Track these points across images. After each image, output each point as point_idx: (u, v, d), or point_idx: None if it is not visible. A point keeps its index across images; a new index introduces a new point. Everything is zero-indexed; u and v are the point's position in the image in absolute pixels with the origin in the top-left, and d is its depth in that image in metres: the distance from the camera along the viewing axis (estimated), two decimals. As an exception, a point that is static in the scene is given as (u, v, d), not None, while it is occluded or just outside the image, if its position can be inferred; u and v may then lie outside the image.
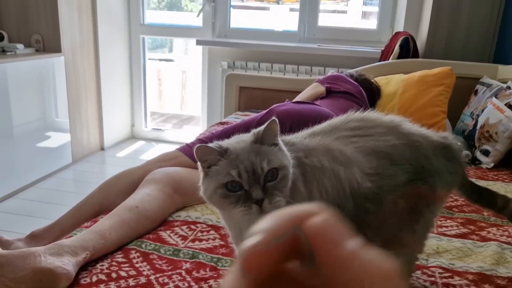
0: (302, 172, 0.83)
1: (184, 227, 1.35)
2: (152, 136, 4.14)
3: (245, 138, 0.81)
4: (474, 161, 2.09)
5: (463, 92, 2.45)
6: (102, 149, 3.76)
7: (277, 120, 0.77)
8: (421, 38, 2.92)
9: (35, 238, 1.45)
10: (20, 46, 2.99)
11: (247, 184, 0.75)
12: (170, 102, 5.01)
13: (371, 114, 0.97)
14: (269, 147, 0.78)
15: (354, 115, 0.97)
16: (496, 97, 2.13)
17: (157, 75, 4.93)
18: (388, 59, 2.78)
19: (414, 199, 0.91)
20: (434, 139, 0.97)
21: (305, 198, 0.82)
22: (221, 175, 0.76)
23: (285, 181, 0.77)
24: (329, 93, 2.05)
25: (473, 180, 1.81)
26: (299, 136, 0.92)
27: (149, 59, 4.19)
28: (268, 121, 0.77)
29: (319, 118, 0.97)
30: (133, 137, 4.16)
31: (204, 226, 1.36)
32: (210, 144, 0.78)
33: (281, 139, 0.87)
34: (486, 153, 2.04)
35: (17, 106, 2.83)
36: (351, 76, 2.23)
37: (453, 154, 0.98)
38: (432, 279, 1.12)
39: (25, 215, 2.60)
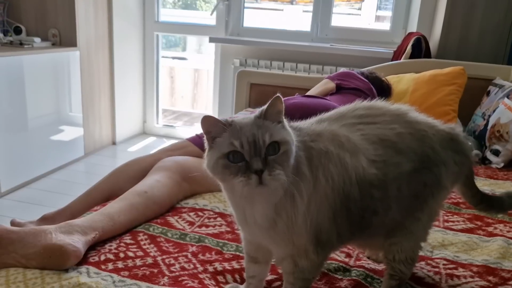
0: (307, 156, 0.84)
1: (191, 214, 1.37)
2: (163, 132, 4.18)
3: (251, 115, 0.82)
4: (484, 161, 2.08)
5: (475, 93, 2.44)
6: (114, 143, 3.81)
7: (281, 97, 0.79)
8: (434, 38, 2.92)
9: (46, 221, 1.49)
10: (37, 39, 3.05)
11: (248, 155, 0.76)
12: (182, 100, 5.05)
13: (378, 103, 0.98)
14: (272, 123, 0.80)
15: (361, 103, 0.98)
16: (508, 97, 2.12)
17: (170, 72, 4.97)
18: (400, 59, 2.77)
19: (418, 187, 0.92)
20: (441, 129, 0.98)
21: (310, 182, 0.83)
22: (224, 146, 0.78)
23: (286, 156, 0.78)
24: (339, 89, 2.06)
25: (482, 179, 1.82)
26: (306, 123, 0.93)
27: (163, 56, 4.23)
28: (272, 98, 0.78)
29: (328, 112, 0.98)
30: (144, 133, 4.20)
31: (211, 213, 1.38)
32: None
33: (289, 125, 0.88)
34: (496, 152, 2.03)
35: (33, 99, 2.89)
36: (362, 73, 2.24)
37: (460, 145, 0.99)
38: (436, 269, 1.13)
39: (38, 204, 2.65)
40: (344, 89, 2.05)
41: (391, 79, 2.38)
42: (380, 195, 0.88)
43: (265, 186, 0.75)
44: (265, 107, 0.80)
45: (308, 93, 2.09)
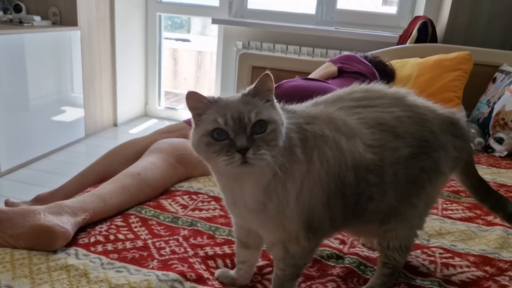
0: (302, 138, 0.81)
1: (185, 197, 1.35)
2: (165, 115, 4.16)
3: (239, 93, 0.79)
4: (487, 149, 2.04)
5: (481, 80, 2.38)
6: (115, 125, 3.79)
7: (271, 75, 0.75)
8: (441, 23, 2.85)
9: (40, 201, 1.48)
10: (37, 18, 3.01)
11: (233, 132, 0.73)
12: (184, 83, 5.00)
13: (376, 86, 0.95)
14: (260, 101, 0.77)
15: (359, 86, 0.94)
16: (514, 84, 2.07)
17: (173, 54, 4.92)
18: (405, 44, 2.71)
19: (416, 172, 0.89)
20: (441, 113, 0.94)
21: (303, 165, 0.80)
22: (208, 123, 0.75)
23: (273, 135, 0.74)
24: (341, 73, 2.02)
25: (484, 167, 1.79)
26: (302, 106, 0.90)
27: (165, 38, 4.18)
28: (262, 74, 0.75)
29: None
30: (146, 115, 4.18)
31: (206, 197, 1.36)
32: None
33: (282, 108, 0.85)
34: (500, 141, 1.99)
35: (34, 79, 2.86)
36: (366, 57, 2.19)
37: (460, 130, 0.95)
38: (432, 258, 1.10)
39: (37, 185, 2.64)
40: (346, 72, 2.00)
41: (395, 64, 2.33)
42: (376, 181, 0.85)
43: (250, 165, 0.72)
44: (254, 84, 0.76)
45: (309, 77, 2.05)
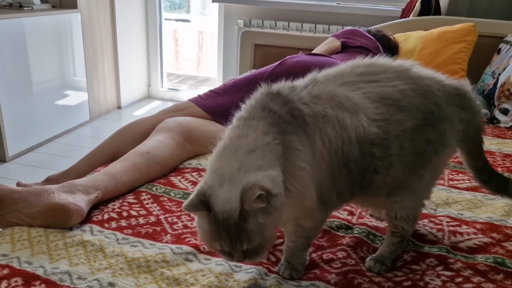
0: (302, 122, 0.81)
1: (194, 174, 1.36)
2: (168, 96, 4.16)
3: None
4: (493, 120, 2.04)
5: (485, 51, 2.37)
6: (119, 107, 3.80)
7: (253, 186, 0.72)
8: (445, -5, 2.81)
9: (51, 182, 1.49)
10: (36, 1, 2.99)
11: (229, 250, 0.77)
12: (186, 63, 4.99)
13: (379, 60, 0.94)
14: (251, 221, 0.74)
15: (362, 61, 0.94)
16: (519, 54, 2.06)
17: (174, 35, 4.89)
18: (408, 17, 2.69)
19: (422, 144, 0.90)
20: (447, 83, 0.94)
21: (307, 150, 0.81)
22: (205, 237, 0.78)
23: (264, 247, 0.78)
24: (344, 47, 2.01)
25: (489, 138, 1.79)
26: (302, 83, 0.90)
27: (166, 19, 4.15)
28: (246, 191, 0.72)
29: None
30: (149, 96, 4.18)
31: (214, 173, 1.38)
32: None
33: (281, 86, 0.86)
34: (505, 112, 1.99)
35: (36, 63, 2.86)
36: (369, 31, 2.17)
37: (468, 102, 0.95)
38: (439, 227, 1.12)
39: (45, 168, 2.67)
40: (350, 47, 1.99)
41: (399, 37, 2.31)
42: (381, 154, 0.86)
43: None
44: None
45: (312, 52, 2.04)
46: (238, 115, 0.85)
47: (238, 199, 0.72)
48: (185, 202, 0.75)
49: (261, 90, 0.86)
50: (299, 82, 0.89)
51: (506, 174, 1.44)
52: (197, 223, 0.79)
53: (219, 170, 0.76)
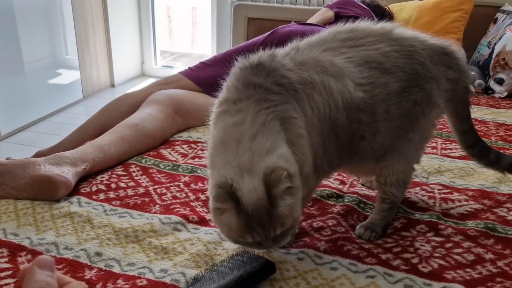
0: (292, 89, 0.80)
1: (184, 146, 1.35)
2: (162, 73, 4.10)
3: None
4: (487, 91, 2.02)
5: (482, 21, 2.33)
6: (113, 86, 3.75)
7: (275, 169, 0.70)
8: (441, -36, 2.75)
9: (40, 157, 1.48)
10: (24, -24, 2.92)
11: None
12: (180, 41, 4.91)
13: (361, 24, 0.92)
14: (281, 204, 0.71)
15: (343, 27, 0.91)
16: (515, 23, 2.02)
17: (167, 12, 4.80)
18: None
19: (409, 106, 0.88)
20: (431, 43, 0.92)
21: (301, 117, 0.80)
22: (234, 233, 0.74)
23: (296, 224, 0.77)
24: (338, 18, 1.97)
25: (484, 108, 1.78)
26: (283, 51, 0.87)
27: (158, -6, 4.06)
28: (268, 176, 0.70)
29: None
30: (143, 74, 4.13)
31: (205, 145, 1.36)
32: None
33: (260, 56, 0.83)
34: (500, 81, 1.97)
35: (27, 42, 2.81)
36: (363, 1, 2.13)
37: (454, 60, 0.93)
38: (431, 194, 1.12)
39: (38, 146, 2.64)
40: (343, 17, 1.95)
41: (393, 7, 2.27)
42: (367, 120, 0.85)
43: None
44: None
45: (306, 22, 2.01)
46: (222, 96, 0.82)
47: (262, 186, 0.70)
48: (213, 193, 0.71)
49: (239, 64, 0.83)
50: (280, 50, 0.87)
51: (499, 143, 1.44)
52: (220, 221, 0.74)
53: (232, 162, 0.73)
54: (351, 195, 1.10)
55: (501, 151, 1.06)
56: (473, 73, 2.08)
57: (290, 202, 0.72)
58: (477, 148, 1.04)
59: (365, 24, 0.91)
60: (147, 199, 1.06)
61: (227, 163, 0.73)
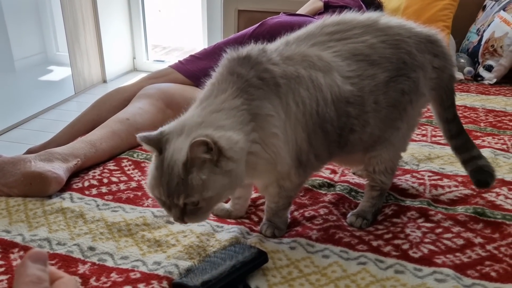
0: (274, 84, 0.80)
1: (176, 139, 1.35)
2: (154, 68, 4.08)
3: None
4: (477, 78, 2.03)
5: (470, 9, 2.34)
6: (105, 81, 3.74)
7: (206, 136, 0.71)
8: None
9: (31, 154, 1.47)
10: (11, -28, 2.89)
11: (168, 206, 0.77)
12: (171, 35, 4.89)
13: (346, 16, 0.92)
14: (194, 174, 0.72)
15: (330, 19, 0.92)
16: (504, 10, 2.03)
17: (157, 6, 4.77)
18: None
19: (397, 96, 0.89)
20: (417, 31, 0.93)
21: (280, 114, 0.80)
22: (149, 182, 0.77)
23: (205, 207, 0.76)
24: (327, 8, 1.97)
25: (473, 95, 1.79)
26: (274, 46, 0.87)
27: (147, -13, 4.03)
28: (191, 145, 0.70)
29: None
30: (135, 69, 4.11)
31: (197, 138, 1.36)
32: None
33: (251, 49, 0.83)
34: (489, 68, 1.98)
35: (16, 39, 2.79)
36: (352, -9, 2.12)
37: (440, 48, 0.94)
38: (421, 181, 1.13)
39: (30, 143, 2.61)
40: (333, 7, 1.95)
41: (383, -4, 2.27)
42: (356, 112, 0.86)
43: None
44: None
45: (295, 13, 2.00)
46: (208, 81, 0.85)
47: (187, 150, 0.71)
48: (143, 134, 0.76)
49: (227, 55, 0.84)
50: (271, 45, 0.88)
51: (489, 129, 1.45)
52: (150, 168, 0.79)
53: (182, 121, 0.77)
54: (342, 184, 1.11)
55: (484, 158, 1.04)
56: (462, 60, 2.09)
57: (205, 178, 0.72)
58: (459, 140, 1.04)
59: (352, 16, 0.92)
60: (139, 193, 1.06)
61: (179, 121, 0.79)
